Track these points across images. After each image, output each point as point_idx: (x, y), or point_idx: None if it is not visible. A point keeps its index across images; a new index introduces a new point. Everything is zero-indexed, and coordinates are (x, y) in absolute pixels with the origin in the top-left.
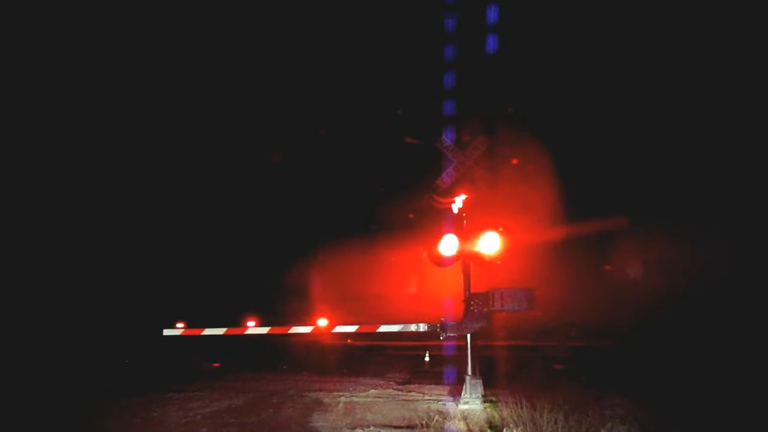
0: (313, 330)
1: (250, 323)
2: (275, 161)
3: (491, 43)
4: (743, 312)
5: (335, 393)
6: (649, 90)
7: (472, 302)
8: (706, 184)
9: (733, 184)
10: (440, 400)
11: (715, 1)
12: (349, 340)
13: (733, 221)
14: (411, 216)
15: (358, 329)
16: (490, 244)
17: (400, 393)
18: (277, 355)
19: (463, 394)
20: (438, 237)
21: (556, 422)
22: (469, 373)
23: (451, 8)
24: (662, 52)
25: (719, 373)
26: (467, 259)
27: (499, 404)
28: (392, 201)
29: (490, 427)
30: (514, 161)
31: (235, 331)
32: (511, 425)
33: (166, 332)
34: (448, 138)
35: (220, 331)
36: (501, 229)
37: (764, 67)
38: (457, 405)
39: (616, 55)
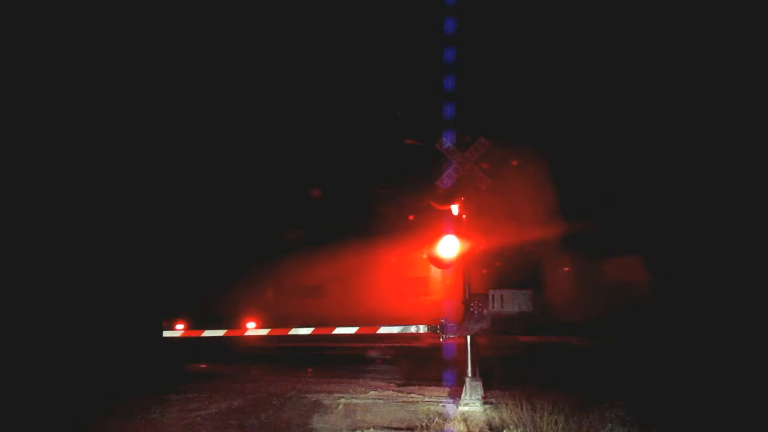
0: (313, 331)
1: (250, 324)
2: (275, 161)
3: (491, 45)
4: (742, 310)
5: (335, 394)
6: (646, 90)
7: (471, 304)
8: (700, 184)
9: (725, 184)
10: (440, 402)
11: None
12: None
13: (726, 220)
14: (411, 217)
15: (358, 331)
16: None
17: (400, 394)
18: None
19: (463, 395)
20: (438, 238)
21: (556, 423)
22: (469, 374)
23: (451, 10)
24: (653, 58)
25: (719, 372)
26: (467, 261)
27: (500, 406)
28: (392, 202)
29: (490, 429)
30: (514, 162)
31: (235, 332)
32: (511, 427)
33: (166, 334)
34: (447, 139)
35: (220, 332)
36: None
37: (759, 74)
38: (457, 406)
39: (610, 61)
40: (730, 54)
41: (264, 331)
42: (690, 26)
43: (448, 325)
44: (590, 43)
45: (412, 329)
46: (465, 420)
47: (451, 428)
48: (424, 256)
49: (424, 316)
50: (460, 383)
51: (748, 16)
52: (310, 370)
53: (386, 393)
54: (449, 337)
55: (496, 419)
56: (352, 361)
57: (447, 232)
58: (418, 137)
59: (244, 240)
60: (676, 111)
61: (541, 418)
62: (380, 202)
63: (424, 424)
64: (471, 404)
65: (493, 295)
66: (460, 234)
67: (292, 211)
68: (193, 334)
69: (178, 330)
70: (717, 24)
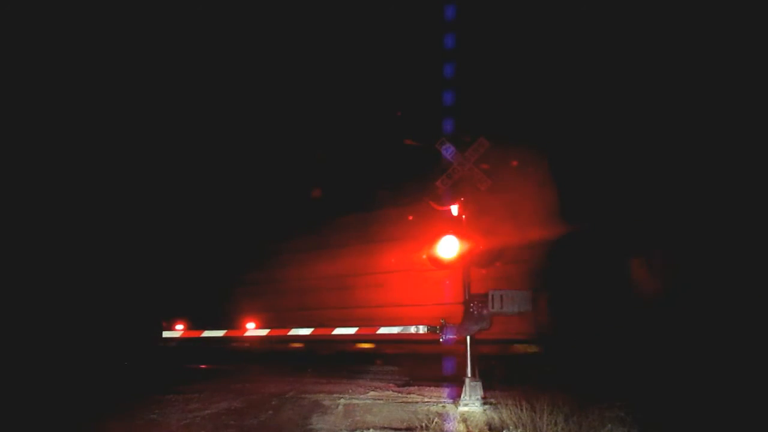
0: (312, 332)
1: (250, 325)
2: (274, 160)
3: (490, 45)
4: (743, 313)
5: (335, 395)
6: (648, 90)
7: (471, 304)
8: (705, 185)
9: (732, 185)
10: (440, 402)
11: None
12: None
13: (730, 222)
14: (410, 218)
15: (358, 331)
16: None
17: (399, 395)
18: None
19: (462, 396)
20: (437, 239)
21: (555, 424)
22: (469, 375)
23: (450, 10)
24: (660, 53)
25: (720, 375)
26: (466, 261)
27: (499, 406)
28: (391, 202)
29: (490, 429)
30: (514, 163)
31: (234, 333)
32: (510, 427)
33: (166, 334)
34: (447, 140)
35: (219, 332)
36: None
37: (761, 70)
38: (456, 407)
39: (614, 55)
40: (742, 49)
41: (264, 332)
42: (692, 24)
43: (447, 325)
44: (594, 38)
45: (412, 330)
46: (465, 420)
47: (451, 428)
48: (424, 256)
49: (424, 315)
50: (460, 384)
51: (749, 13)
52: (309, 370)
53: (386, 393)
54: (449, 338)
55: (496, 419)
56: (352, 361)
57: (446, 233)
58: (418, 137)
59: (243, 241)
60: (685, 108)
61: (540, 418)
62: (380, 202)
63: (423, 424)
64: (471, 404)
65: (492, 296)
66: (459, 234)
67: (291, 212)
68: (193, 334)
69: (178, 330)
70: (719, 22)
